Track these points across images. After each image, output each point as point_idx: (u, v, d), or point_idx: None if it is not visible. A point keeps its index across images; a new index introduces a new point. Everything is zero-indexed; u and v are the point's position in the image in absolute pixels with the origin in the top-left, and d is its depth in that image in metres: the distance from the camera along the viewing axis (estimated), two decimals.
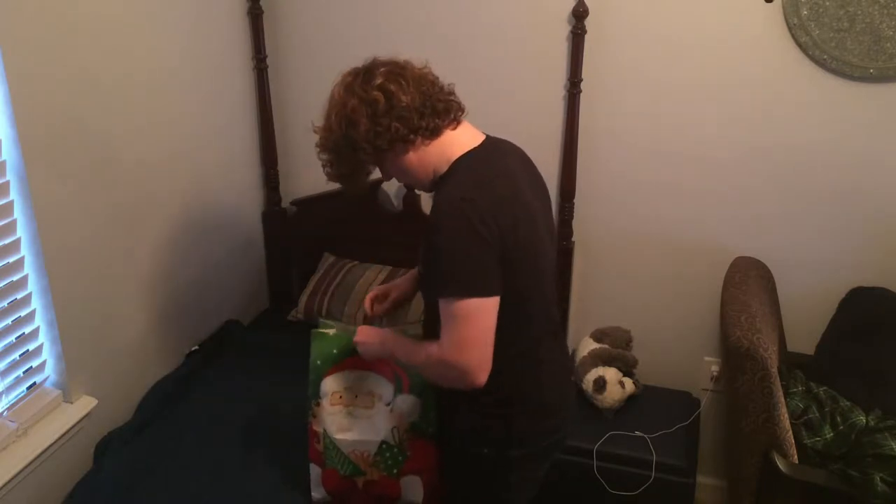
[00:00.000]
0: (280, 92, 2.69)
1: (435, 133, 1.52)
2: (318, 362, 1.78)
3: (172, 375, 2.32)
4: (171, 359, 2.38)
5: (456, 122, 1.56)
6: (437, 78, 1.56)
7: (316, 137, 1.57)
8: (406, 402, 1.74)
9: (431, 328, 1.55)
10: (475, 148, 1.55)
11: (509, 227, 1.46)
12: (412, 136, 1.50)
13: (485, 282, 1.43)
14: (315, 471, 1.86)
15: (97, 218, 2.02)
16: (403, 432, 1.76)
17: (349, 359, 1.76)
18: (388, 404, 1.75)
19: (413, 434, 1.76)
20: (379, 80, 1.48)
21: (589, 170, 2.45)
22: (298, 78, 2.68)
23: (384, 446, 1.77)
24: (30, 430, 1.91)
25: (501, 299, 1.46)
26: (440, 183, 1.54)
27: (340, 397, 1.77)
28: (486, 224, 1.42)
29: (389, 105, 1.47)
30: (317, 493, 1.87)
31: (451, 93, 1.57)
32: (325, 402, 1.78)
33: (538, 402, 1.65)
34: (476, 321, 1.44)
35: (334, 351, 1.77)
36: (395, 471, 1.79)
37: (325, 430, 1.80)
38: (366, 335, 1.68)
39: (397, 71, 1.50)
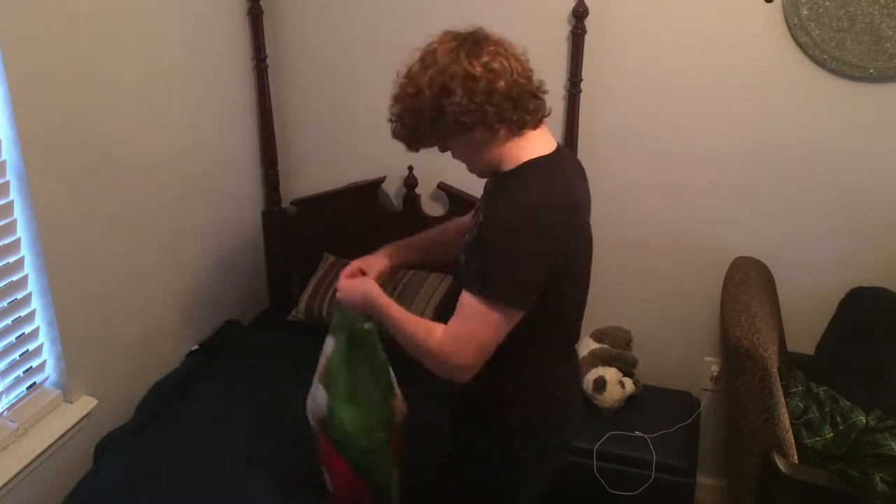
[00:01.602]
0: (280, 92, 2.69)
1: (519, 128, 1.46)
2: (332, 324, 1.74)
3: (172, 375, 2.32)
4: (171, 359, 2.37)
5: (540, 122, 1.51)
6: (533, 72, 1.49)
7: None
8: (318, 391, 1.70)
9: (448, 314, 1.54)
10: (547, 155, 1.49)
11: (571, 242, 1.45)
12: (498, 125, 1.44)
13: (522, 295, 1.42)
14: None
15: (97, 218, 2.02)
16: (316, 420, 1.73)
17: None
18: (316, 385, 1.72)
19: (320, 431, 1.72)
20: (485, 57, 1.41)
21: (589, 170, 2.40)
22: (298, 78, 2.68)
23: (311, 422, 1.75)
24: (30, 430, 1.91)
25: (542, 307, 1.44)
26: (504, 180, 1.49)
27: (321, 357, 1.76)
28: (552, 238, 1.41)
29: (489, 86, 1.40)
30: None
31: (545, 91, 1.51)
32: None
33: (552, 401, 1.65)
34: (494, 328, 1.42)
35: (339, 319, 1.72)
36: (316, 457, 1.78)
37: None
38: (347, 288, 1.63)
39: (503, 51, 1.44)
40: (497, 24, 2.37)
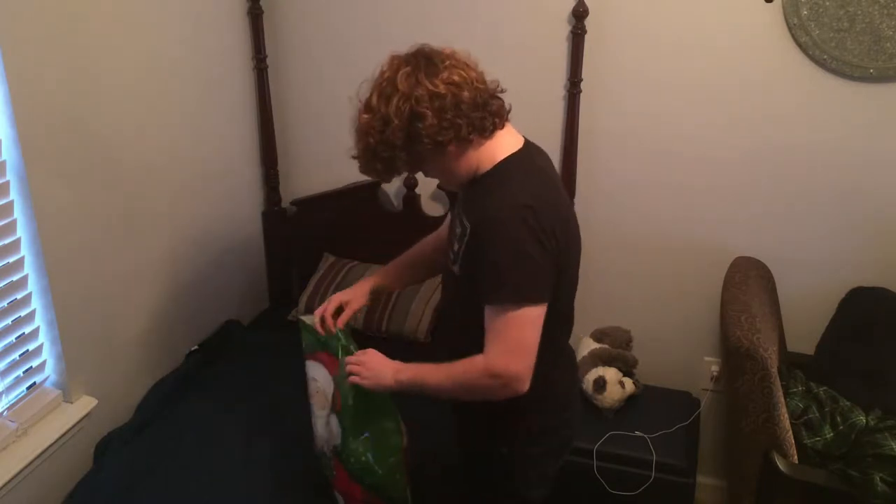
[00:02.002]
0: (280, 92, 2.69)
1: (490, 132, 1.48)
2: (303, 346, 1.82)
3: (172, 375, 2.32)
4: (171, 359, 2.37)
5: (504, 121, 1.53)
6: (484, 73, 1.51)
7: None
8: (334, 423, 1.72)
9: (460, 326, 1.53)
10: (518, 151, 1.52)
11: (563, 235, 1.46)
12: (472, 136, 1.45)
13: (540, 289, 1.43)
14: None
15: (97, 218, 2.02)
16: (330, 450, 1.75)
17: (319, 352, 1.78)
18: (328, 416, 1.74)
19: (336, 457, 1.74)
20: (444, 73, 1.42)
21: (589, 170, 2.45)
22: (298, 78, 2.68)
23: (321, 451, 1.80)
24: (30, 430, 1.91)
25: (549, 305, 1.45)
26: (483, 183, 1.50)
27: (309, 385, 1.82)
28: (546, 232, 1.41)
29: (455, 101, 1.41)
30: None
31: (502, 90, 1.53)
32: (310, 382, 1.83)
33: (556, 397, 1.66)
34: (529, 329, 1.42)
35: (311, 338, 1.79)
36: (330, 479, 1.80)
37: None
38: (375, 366, 1.59)
39: (459, 65, 1.45)
40: (497, 24, 2.40)
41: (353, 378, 1.59)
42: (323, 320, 1.73)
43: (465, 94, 1.42)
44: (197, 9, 2.34)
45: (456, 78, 1.42)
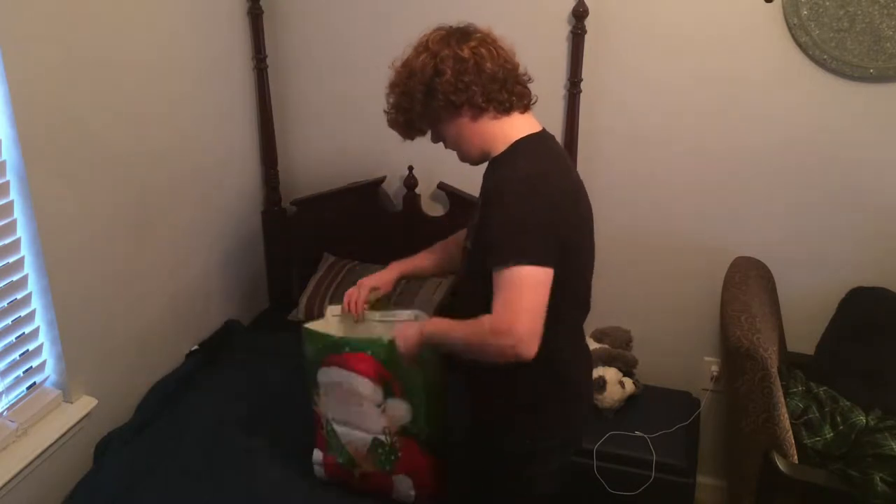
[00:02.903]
0: (280, 92, 2.69)
1: (506, 110, 1.55)
2: (311, 355, 1.82)
3: (172, 375, 2.32)
4: (171, 359, 2.37)
5: (526, 107, 1.59)
6: (519, 63, 1.60)
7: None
8: (397, 406, 1.75)
9: (470, 302, 1.55)
10: (534, 133, 1.58)
11: (572, 210, 1.53)
12: (485, 104, 1.53)
13: (545, 252, 1.45)
14: (317, 455, 1.89)
15: (97, 218, 2.02)
16: (394, 434, 1.77)
17: (333, 356, 1.78)
18: (380, 405, 1.76)
19: (404, 437, 1.78)
20: (473, 43, 1.52)
21: (589, 169, 2.45)
22: (298, 78, 2.68)
23: (376, 442, 1.79)
24: (30, 430, 1.91)
25: (556, 284, 1.46)
26: (498, 160, 1.56)
27: (333, 390, 1.80)
28: (553, 201, 1.47)
29: (477, 68, 1.51)
30: (318, 476, 1.91)
31: (530, 80, 1.61)
32: (322, 393, 1.82)
33: (572, 391, 1.69)
34: (532, 290, 1.44)
35: (320, 346, 1.80)
36: (387, 467, 1.81)
37: (327, 418, 1.83)
38: (406, 335, 1.66)
39: (490, 40, 1.55)
40: (497, 24, 2.38)
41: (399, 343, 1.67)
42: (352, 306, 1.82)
43: (488, 64, 1.51)
44: (197, 9, 2.34)
45: (483, 50, 1.52)
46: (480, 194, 1.62)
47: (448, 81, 1.50)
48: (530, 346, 1.44)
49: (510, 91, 1.54)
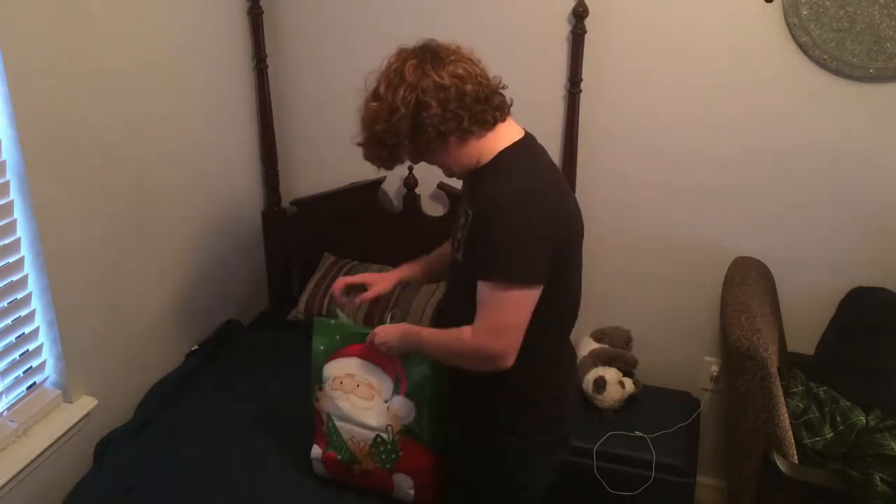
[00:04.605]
0: (280, 92, 2.69)
1: (492, 126, 1.54)
2: (322, 347, 1.82)
3: (172, 375, 2.32)
4: (171, 359, 2.37)
5: (507, 115, 1.59)
6: (486, 70, 1.57)
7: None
8: (402, 404, 1.76)
9: (460, 313, 1.56)
10: (519, 140, 1.57)
11: (563, 220, 1.52)
12: (473, 127, 1.51)
13: (535, 272, 1.46)
14: (316, 450, 1.89)
15: (97, 218, 2.02)
16: (397, 432, 1.78)
17: (354, 346, 1.79)
18: (386, 401, 1.78)
19: (406, 437, 1.78)
20: (450, 67, 1.49)
21: (589, 170, 2.45)
22: (298, 78, 2.67)
23: (378, 440, 1.80)
24: (30, 430, 1.91)
25: (547, 290, 1.48)
26: (484, 172, 1.55)
27: (341, 382, 1.80)
28: (545, 217, 1.47)
29: (460, 92, 1.48)
30: (317, 472, 1.91)
31: (504, 87, 1.60)
32: (326, 387, 1.82)
33: (561, 387, 1.70)
34: (518, 309, 1.46)
35: (337, 337, 1.80)
36: (388, 465, 1.81)
37: (328, 413, 1.84)
38: (384, 333, 1.71)
39: (464, 60, 1.52)
40: (497, 24, 2.40)
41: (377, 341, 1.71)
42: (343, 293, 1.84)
43: (469, 87, 1.49)
44: (197, 9, 2.34)
45: (461, 71, 1.49)
46: (465, 201, 1.61)
47: (436, 115, 1.47)
48: (507, 360, 1.49)
49: (493, 107, 1.53)
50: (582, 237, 1.65)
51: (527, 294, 1.47)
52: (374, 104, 1.51)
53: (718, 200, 2.40)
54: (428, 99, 1.47)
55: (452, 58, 1.50)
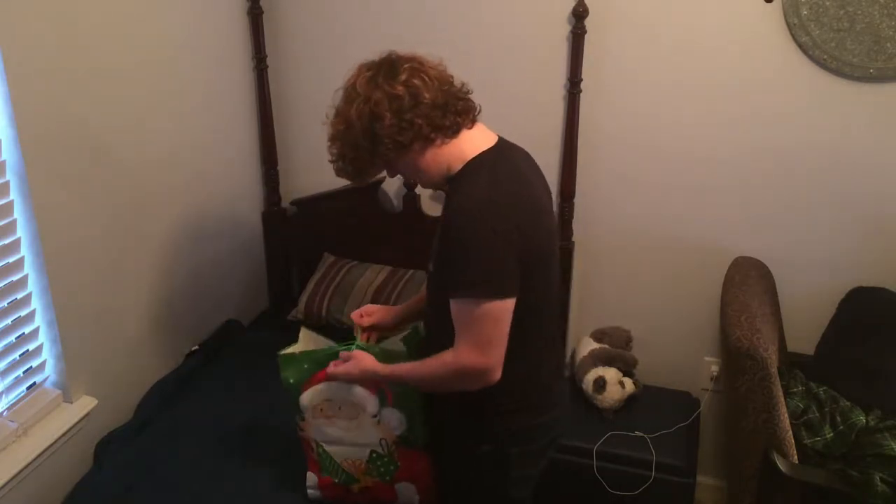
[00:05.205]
0: (280, 92, 2.69)
1: (455, 132, 1.52)
2: (291, 381, 1.75)
3: (172, 375, 2.32)
4: (171, 359, 2.38)
5: (473, 121, 1.56)
6: (453, 77, 1.56)
7: (324, 134, 1.56)
8: (392, 415, 1.73)
9: (438, 330, 1.54)
10: (490, 148, 1.55)
11: (529, 229, 1.48)
12: (433, 135, 1.49)
13: (506, 283, 1.44)
14: (312, 478, 1.87)
15: (97, 218, 2.02)
16: (392, 443, 1.76)
17: (318, 374, 1.74)
18: (375, 416, 1.74)
19: (402, 446, 1.76)
20: (403, 76, 1.47)
21: (589, 170, 2.45)
22: (298, 78, 2.67)
23: (374, 455, 1.78)
24: (30, 430, 1.91)
25: (522, 303, 1.46)
26: (455, 181, 1.53)
27: (322, 410, 1.76)
28: (508, 226, 1.44)
29: (414, 101, 1.46)
30: (314, 496, 1.89)
31: (469, 92, 1.58)
32: (308, 417, 1.78)
33: (536, 399, 1.66)
34: (494, 323, 1.45)
35: (305, 366, 1.74)
36: (387, 477, 1.80)
37: (316, 441, 1.81)
38: (336, 371, 1.67)
39: (420, 67, 1.50)
40: (497, 24, 2.40)
41: (333, 369, 1.66)
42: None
43: (425, 94, 1.47)
44: (197, 9, 2.34)
45: (415, 81, 1.47)
46: (441, 212, 1.59)
47: (390, 124, 1.46)
48: (495, 374, 1.48)
49: (454, 112, 1.51)
50: (555, 245, 1.62)
51: (501, 305, 1.44)
52: (335, 120, 1.53)
53: (718, 200, 2.40)
54: (380, 110, 1.46)
55: (407, 66, 1.48)
